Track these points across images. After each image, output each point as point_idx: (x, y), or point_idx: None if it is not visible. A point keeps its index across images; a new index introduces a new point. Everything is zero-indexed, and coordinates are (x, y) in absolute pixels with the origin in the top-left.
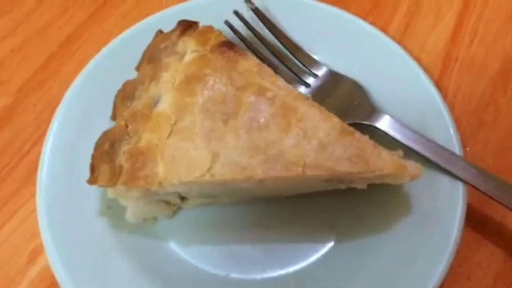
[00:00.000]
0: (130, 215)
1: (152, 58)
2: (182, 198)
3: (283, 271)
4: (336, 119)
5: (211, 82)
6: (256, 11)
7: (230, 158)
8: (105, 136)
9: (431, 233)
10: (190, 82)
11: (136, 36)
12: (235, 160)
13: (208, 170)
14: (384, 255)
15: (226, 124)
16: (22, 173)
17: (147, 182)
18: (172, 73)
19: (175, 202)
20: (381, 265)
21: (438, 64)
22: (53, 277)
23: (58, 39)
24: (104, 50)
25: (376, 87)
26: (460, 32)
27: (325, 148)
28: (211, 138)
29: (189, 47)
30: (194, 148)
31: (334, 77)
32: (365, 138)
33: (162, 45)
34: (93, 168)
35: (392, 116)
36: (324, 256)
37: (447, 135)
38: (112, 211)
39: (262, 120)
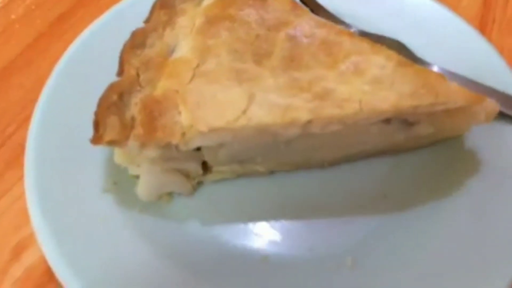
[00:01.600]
0: (142, 189)
1: (165, 4)
2: (205, 170)
3: (335, 248)
4: (390, 51)
5: (237, 23)
6: None
7: (268, 99)
8: (111, 88)
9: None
10: (213, 23)
11: (129, 10)
12: (275, 101)
13: (244, 112)
14: (452, 222)
15: (259, 65)
16: (6, 156)
17: (167, 134)
18: (190, 17)
19: (196, 173)
20: (451, 234)
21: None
22: (42, 275)
23: (48, 19)
24: (94, 25)
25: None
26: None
27: (381, 82)
28: (243, 79)
29: None
30: (223, 90)
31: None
32: (428, 68)
33: None
34: (97, 125)
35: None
36: (381, 229)
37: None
38: (119, 187)
39: (302, 58)
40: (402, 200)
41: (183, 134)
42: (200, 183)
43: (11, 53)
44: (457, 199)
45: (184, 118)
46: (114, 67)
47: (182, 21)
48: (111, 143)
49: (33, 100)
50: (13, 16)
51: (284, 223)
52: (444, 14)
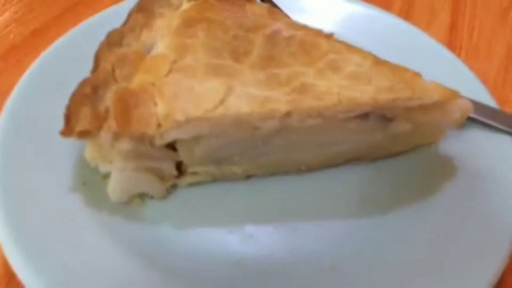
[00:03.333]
0: (113, 188)
1: (143, 8)
2: (179, 171)
3: (314, 252)
4: (366, 51)
5: (215, 24)
6: None
7: (246, 91)
8: (84, 82)
9: (487, 195)
10: (190, 25)
11: (106, 20)
12: (253, 93)
13: (221, 102)
14: (429, 225)
15: (237, 62)
16: None
17: (142, 125)
18: (167, 20)
19: (171, 174)
20: (428, 237)
21: None
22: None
23: (23, 34)
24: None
25: None
26: (456, 29)
27: (359, 78)
28: (221, 73)
29: None
30: (200, 83)
31: None
32: (404, 67)
33: None
34: (68, 117)
35: None
36: (359, 233)
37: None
38: (88, 188)
39: (280, 56)
40: (380, 204)
41: (159, 125)
42: (174, 187)
43: None
44: (433, 202)
45: (160, 109)
46: (87, 71)
47: (160, 23)
48: (83, 134)
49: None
50: None
51: (260, 228)
52: (414, 32)
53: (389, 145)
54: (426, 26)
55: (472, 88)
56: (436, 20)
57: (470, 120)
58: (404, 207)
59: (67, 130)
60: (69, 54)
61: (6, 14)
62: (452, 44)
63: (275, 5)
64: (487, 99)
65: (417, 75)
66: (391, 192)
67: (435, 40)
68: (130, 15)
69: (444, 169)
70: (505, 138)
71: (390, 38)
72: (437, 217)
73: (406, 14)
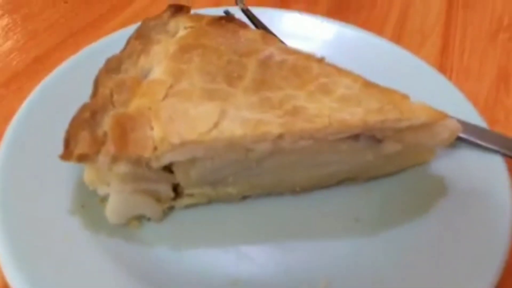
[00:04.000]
0: (111, 210)
1: (141, 35)
2: (176, 193)
3: (308, 271)
4: (356, 74)
5: (209, 49)
6: (247, 11)
7: (239, 115)
8: (84, 107)
9: (478, 213)
10: (186, 50)
11: (106, 46)
12: (246, 116)
13: (216, 125)
14: (422, 242)
15: (231, 86)
16: None
17: (139, 148)
18: (164, 46)
19: (167, 196)
20: (421, 253)
21: None
22: None
23: (25, 61)
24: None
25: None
26: (447, 51)
27: (349, 100)
28: (215, 97)
29: (182, 24)
30: (195, 107)
31: None
32: (392, 89)
33: (152, 23)
34: (68, 141)
35: None
36: (353, 251)
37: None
38: (86, 210)
39: (273, 80)
40: (373, 223)
41: (155, 148)
42: (171, 209)
43: None
44: (425, 221)
45: (156, 132)
46: (87, 96)
47: (157, 49)
48: (82, 157)
49: (1, 133)
50: None
51: (255, 247)
52: (405, 55)
53: (381, 166)
54: (417, 48)
55: (461, 109)
56: (427, 42)
57: (460, 140)
58: (398, 226)
59: (66, 154)
60: (69, 80)
61: (9, 43)
62: (443, 66)
63: (268, 31)
64: (477, 120)
65: (405, 97)
66: (384, 212)
67: (425, 63)
68: (128, 41)
69: (436, 188)
70: (494, 157)
71: (380, 62)
72: (430, 235)
73: (398, 37)
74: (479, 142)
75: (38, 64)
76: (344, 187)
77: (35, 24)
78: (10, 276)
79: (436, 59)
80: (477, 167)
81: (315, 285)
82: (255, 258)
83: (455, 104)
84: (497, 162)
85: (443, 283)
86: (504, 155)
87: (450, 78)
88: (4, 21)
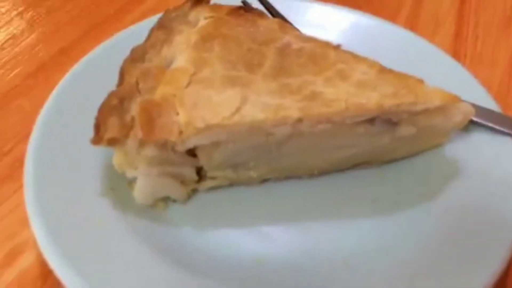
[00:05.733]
0: (139, 191)
1: (163, 26)
2: (199, 176)
3: (328, 251)
4: (372, 60)
5: (230, 39)
6: (264, 1)
7: (260, 100)
8: (112, 94)
9: (492, 194)
10: (207, 40)
11: (129, 37)
12: (267, 101)
13: (238, 110)
14: (440, 224)
15: (251, 72)
16: (2, 171)
17: (165, 132)
18: (186, 36)
19: (191, 179)
20: (439, 234)
21: None
22: (34, 280)
23: (50, 52)
24: (97, 49)
25: None
26: (461, 37)
27: (365, 85)
28: (236, 84)
29: (202, 15)
30: (218, 94)
31: None
32: (408, 74)
33: (174, 14)
34: (98, 126)
35: None
36: (370, 232)
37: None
38: (115, 193)
39: (291, 67)
40: (389, 204)
41: (181, 132)
42: (195, 191)
43: (13, 81)
44: (440, 202)
45: (181, 118)
46: (113, 85)
47: (179, 39)
48: (111, 141)
49: (32, 121)
50: (16, 49)
51: (275, 228)
52: (419, 41)
53: (397, 149)
54: (431, 35)
55: (475, 93)
56: (441, 29)
57: (474, 123)
58: (413, 207)
59: (97, 138)
60: (95, 70)
61: (34, 35)
62: (457, 52)
63: (285, 20)
64: (491, 104)
65: (420, 81)
66: (400, 193)
67: (439, 49)
68: (151, 32)
69: (450, 170)
70: (508, 140)
71: (395, 48)
72: (444, 216)
73: (411, 24)
74: (492, 125)
75: (63, 55)
76: (360, 170)
77: (58, 16)
78: (47, 253)
79: (450, 46)
80: (491, 150)
81: (334, 264)
82: (275, 238)
83: (469, 89)
84: (510, 144)
85: (457, 262)
86: None
87: (464, 65)
88: (29, 14)
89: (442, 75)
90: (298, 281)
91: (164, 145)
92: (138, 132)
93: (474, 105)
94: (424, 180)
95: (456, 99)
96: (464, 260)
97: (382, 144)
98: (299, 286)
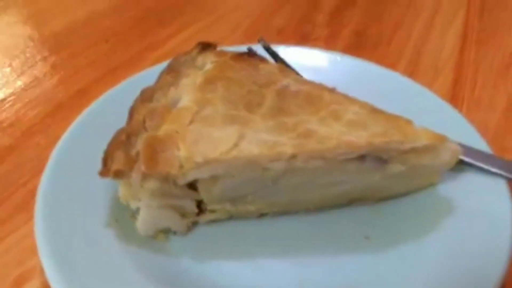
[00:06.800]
0: (142, 222)
1: (172, 69)
2: (200, 209)
3: (322, 285)
4: (363, 102)
5: (232, 81)
6: (268, 48)
7: (257, 137)
8: (120, 131)
9: (482, 232)
10: (211, 82)
11: (139, 82)
12: (263, 138)
13: (235, 145)
14: (432, 261)
15: (250, 112)
16: (17, 202)
17: (167, 166)
18: (192, 78)
19: (192, 212)
20: (432, 270)
21: None
22: None
23: (69, 93)
24: (109, 92)
25: None
26: (460, 83)
27: (357, 125)
28: (236, 122)
29: (209, 59)
30: (218, 131)
31: None
32: (397, 115)
33: (183, 59)
34: (106, 160)
35: None
36: (365, 268)
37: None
38: (119, 224)
39: (289, 107)
40: (383, 241)
41: (181, 166)
42: (195, 223)
43: (33, 120)
44: (433, 239)
45: (182, 153)
46: (123, 123)
47: (185, 82)
48: (117, 174)
49: (48, 157)
50: (38, 91)
51: (273, 262)
52: (414, 87)
53: (389, 187)
54: (430, 82)
55: (467, 135)
56: (439, 77)
57: (466, 164)
58: (406, 244)
59: (104, 171)
60: (108, 109)
61: (56, 77)
62: (455, 97)
63: (287, 64)
64: (483, 145)
65: (409, 121)
66: (394, 231)
67: (432, 92)
68: (161, 75)
69: (443, 209)
70: (498, 180)
71: (390, 92)
72: (437, 252)
73: (411, 72)
74: (483, 166)
75: (81, 96)
76: (355, 207)
77: (79, 61)
78: (53, 281)
79: (448, 91)
80: (482, 190)
81: None
82: (272, 270)
83: (461, 131)
84: (500, 185)
85: None
86: (507, 178)
87: (461, 109)
88: (52, 58)
89: (435, 117)
90: None
91: (165, 178)
92: (141, 166)
93: (465, 146)
94: (417, 218)
95: (443, 139)
96: None
97: (374, 181)
98: None
